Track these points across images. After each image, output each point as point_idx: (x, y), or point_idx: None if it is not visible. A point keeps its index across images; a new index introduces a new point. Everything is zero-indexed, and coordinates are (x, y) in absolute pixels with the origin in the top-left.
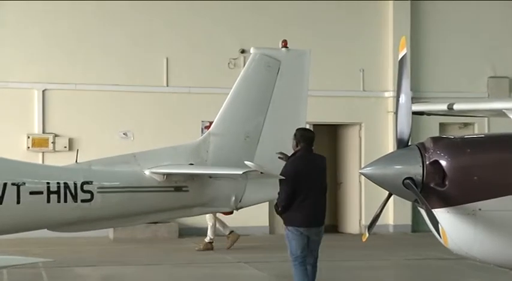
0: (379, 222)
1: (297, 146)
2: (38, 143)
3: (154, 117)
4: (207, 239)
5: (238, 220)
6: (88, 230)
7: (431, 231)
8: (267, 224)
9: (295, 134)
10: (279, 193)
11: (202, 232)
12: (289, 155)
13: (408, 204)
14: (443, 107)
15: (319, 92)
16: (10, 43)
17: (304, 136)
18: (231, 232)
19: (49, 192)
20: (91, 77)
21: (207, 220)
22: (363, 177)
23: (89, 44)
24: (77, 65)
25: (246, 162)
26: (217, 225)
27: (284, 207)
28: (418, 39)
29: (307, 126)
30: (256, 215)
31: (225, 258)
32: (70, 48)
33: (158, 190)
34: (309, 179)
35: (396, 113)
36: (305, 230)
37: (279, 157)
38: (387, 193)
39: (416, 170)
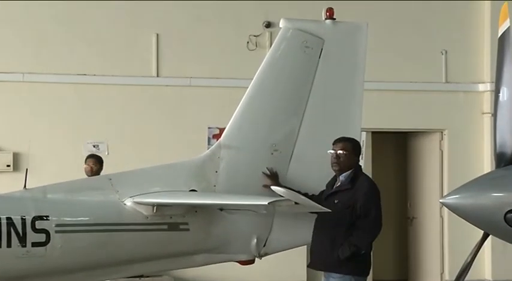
0: (471, 276)
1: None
2: None
3: (138, 122)
4: None
5: (260, 272)
6: None
7: None
8: (305, 279)
9: (352, 146)
10: (361, 228)
11: None
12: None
13: None
14: None
15: (381, 85)
16: None
17: (359, 147)
18: None
19: None
20: (46, 63)
21: None
22: (445, 209)
23: (42, 14)
24: (26, 46)
25: (273, 187)
26: None
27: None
28: None
29: (363, 134)
30: (288, 266)
31: None
32: (15, 20)
33: (145, 228)
34: None
35: (495, 115)
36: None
37: (265, 174)
38: (482, 232)
39: None
